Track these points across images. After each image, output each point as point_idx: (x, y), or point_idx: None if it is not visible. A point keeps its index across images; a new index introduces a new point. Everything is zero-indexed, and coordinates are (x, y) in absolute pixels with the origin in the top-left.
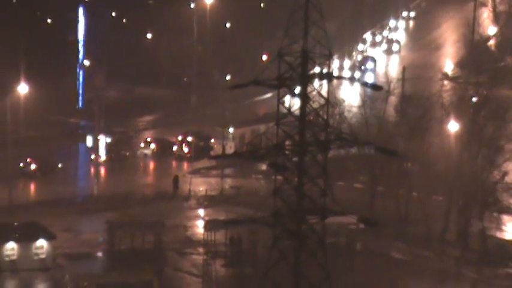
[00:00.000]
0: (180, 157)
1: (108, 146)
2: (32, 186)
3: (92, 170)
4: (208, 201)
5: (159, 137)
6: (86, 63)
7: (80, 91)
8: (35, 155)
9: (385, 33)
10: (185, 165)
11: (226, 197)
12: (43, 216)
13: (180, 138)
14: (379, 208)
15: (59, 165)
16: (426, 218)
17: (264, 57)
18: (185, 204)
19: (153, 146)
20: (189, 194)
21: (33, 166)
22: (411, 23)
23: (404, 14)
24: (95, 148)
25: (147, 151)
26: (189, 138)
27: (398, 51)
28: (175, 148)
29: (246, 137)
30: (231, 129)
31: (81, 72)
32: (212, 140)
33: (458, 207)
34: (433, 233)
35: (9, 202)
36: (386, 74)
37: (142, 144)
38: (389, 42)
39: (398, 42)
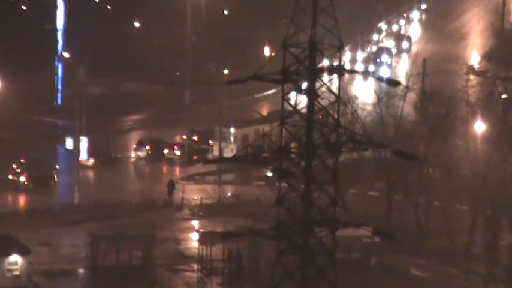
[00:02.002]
0: (172, 161)
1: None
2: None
3: (85, 174)
4: (203, 211)
5: (154, 137)
6: (66, 55)
7: (59, 87)
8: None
9: (402, 22)
10: (178, 170)
11: (224, 206)
12: (18, 228)
13: (184, 137)
14: (396, 219)
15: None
16: (449, 230)
17: (267, 49)
18: (178, 214)
19: (147, 147)
20: (182, 202)
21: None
22: (431, 10)
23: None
24: (76, 151)
25: (140, 153)
26: (195, 138)
27: (408, 50)
28: (166, 151)
29: (249, 138)
30: (232, 130)
31: (60, 66)
32: (210, 142)
33: (485, 218)
34: (457, 247)
35: None
36: (404, 68)
37: (135, 146)
38: (399, 38)
39: (409, 38)
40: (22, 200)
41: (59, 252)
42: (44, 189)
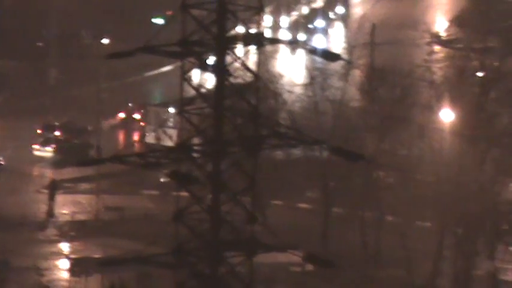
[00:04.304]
0: (41, 159)
1: None
2: None
3: None
4: (75, 230)
5: (67, 121)
6: None
7: None
8: None
9: None
10: (49, 173)
11: (104, 223)
12: None
13: (122, 116)
14: (336, 240)
15: None
16: (407, 255)
17: (160, 11)
18: (40, 234)
19: (57, 133)
20: (47, 218)
21: None
22: None
23: None
24: None
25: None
26: (137, 116)
27: (345, 16)
28: (36, 146)
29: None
30: (171, 109)
31: None
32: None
33: (455, 239)
34: (417, 279)
35: None
36: (346, 36)
37: (39, 131)
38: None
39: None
40: None
41: None
42: None
